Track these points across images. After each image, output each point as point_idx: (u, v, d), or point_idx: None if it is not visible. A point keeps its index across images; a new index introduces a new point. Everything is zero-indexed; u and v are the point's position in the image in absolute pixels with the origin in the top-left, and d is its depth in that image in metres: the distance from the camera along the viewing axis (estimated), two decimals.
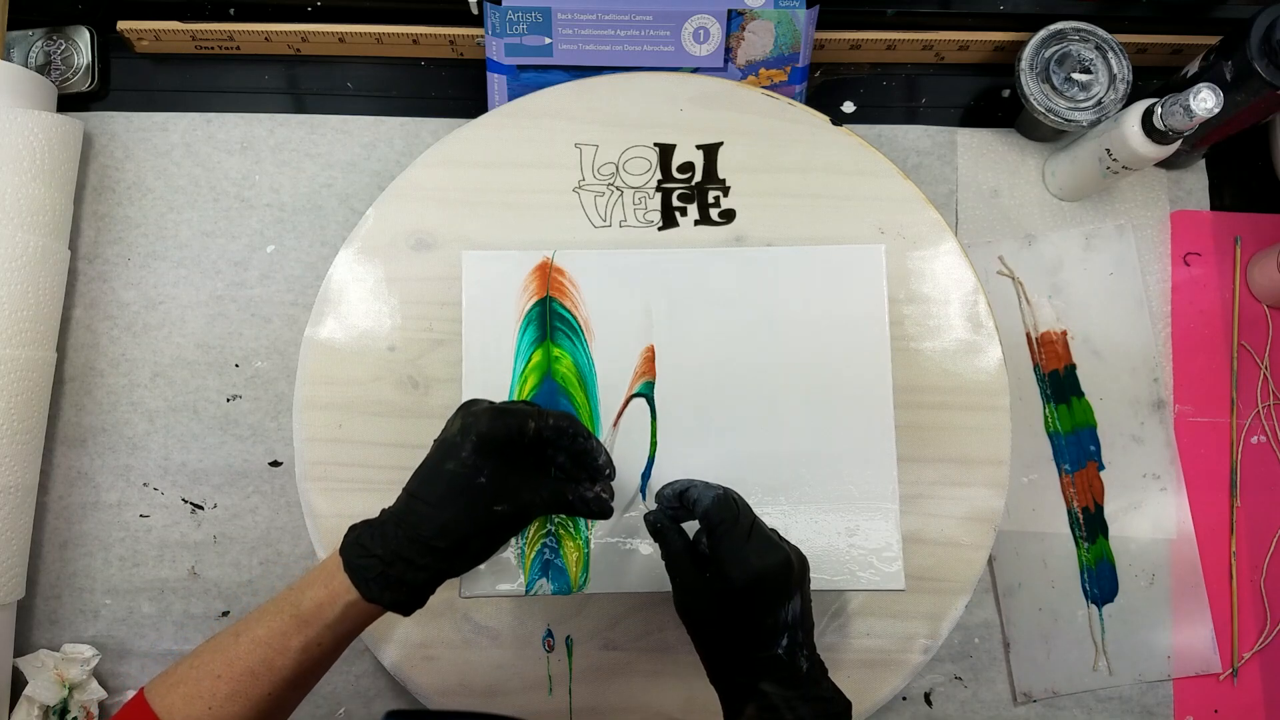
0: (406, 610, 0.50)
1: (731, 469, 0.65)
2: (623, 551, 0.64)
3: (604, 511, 0.55)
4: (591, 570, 0.64)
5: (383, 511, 0.51)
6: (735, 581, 0.50)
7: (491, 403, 0.53)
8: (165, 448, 0.72)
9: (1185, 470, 0.74)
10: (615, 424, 0.65)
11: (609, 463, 0.55)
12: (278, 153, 0.76)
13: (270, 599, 0.50)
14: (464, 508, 0.50)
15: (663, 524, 0.55)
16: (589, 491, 0.54)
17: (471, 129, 0.70)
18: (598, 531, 0.64)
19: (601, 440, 0.57)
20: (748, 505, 0.53)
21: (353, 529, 0.51)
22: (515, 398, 0.65)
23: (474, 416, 0.51)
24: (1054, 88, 0.71)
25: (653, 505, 0.58)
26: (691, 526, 0.55)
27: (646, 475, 0.65)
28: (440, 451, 0.51)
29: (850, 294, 0.67)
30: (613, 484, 0.56)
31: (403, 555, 0.49)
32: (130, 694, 0.69)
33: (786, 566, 0.51)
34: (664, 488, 0.56)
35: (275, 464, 0.72)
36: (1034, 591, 0.72)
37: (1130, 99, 0.70)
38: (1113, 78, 0.71)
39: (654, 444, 0.65)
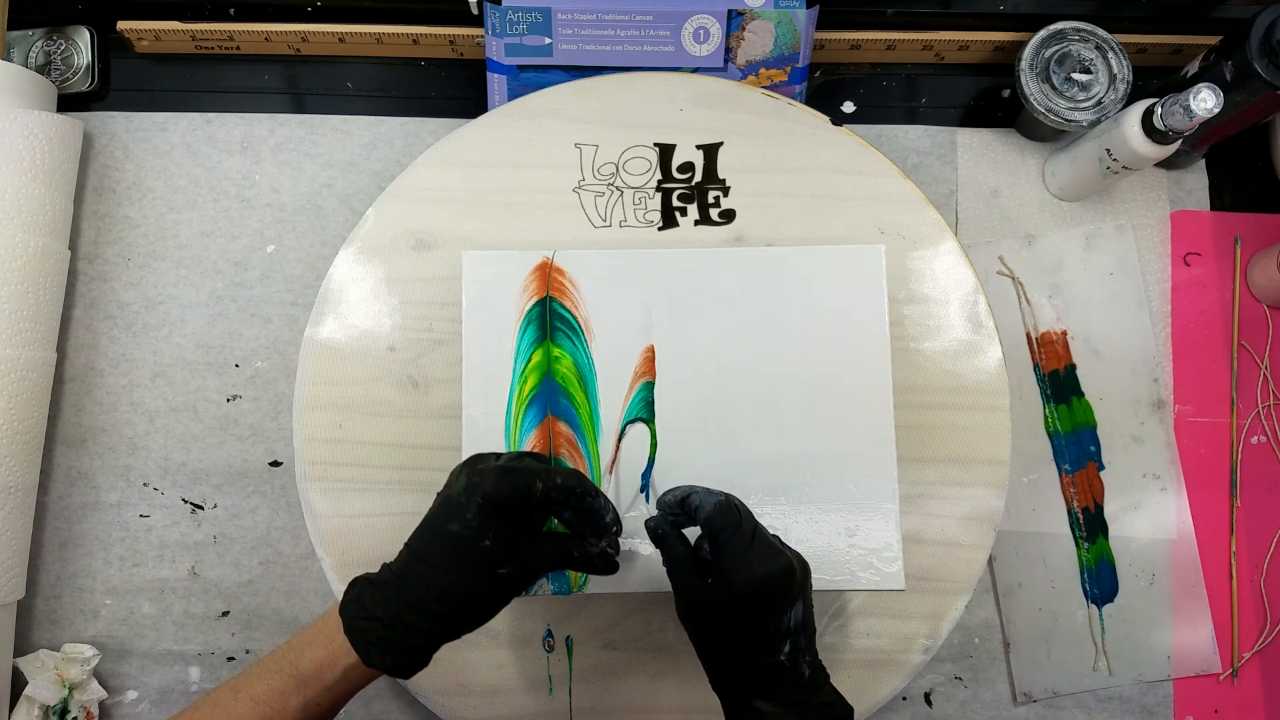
0: (407, 674, 0.49)
1: (731, 468, 0.65)
2: (623, 552, 0.64)
3: (610, 568, 0.54)
4: None
5: (383, 567, 0.50)
6: (737, 588, 0.50)
7: (498, 457, 0.52)
8: (165, 448, 0.72)
9: (1185, 470, 0.74)
10: (611, 470, 0.65)
11: (616, 519, 0.54)
12: (278, 153, 0.76)
13: (270, 653, 0.50)
14: (466, 572, 0.48)
15: (664, 530, 0.54)
16: (594, 548, 0.53)
17: (471, 129, 0.70)
18: None
19: (600, 486, 0.56)
20: (749, 511, 0.53)
21: (353, 584, 0.50)
22: (515, 397, 0.65)
23: (479, 475, 0.50)
24: (1054, 88, 0.71)
25: (653, 508, 0.57)
26: (693, 533, 0.54)
27: (647, 475, 0.65)
28: (444, 510, 0.50)
29: (850, 294, 0.67)
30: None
31: (403, 619, 0.48)
32: (131, 694, 0.70)
33: (789, 572, 0.51)
34: (665, 494, 0.56)
35: (275, 464, 0.72)
36: (1034, 591, 0.72)
37: (1130, 99, 0.70)
38: (1113, 78, 0.71)
39: (654, 443, 0.65)
